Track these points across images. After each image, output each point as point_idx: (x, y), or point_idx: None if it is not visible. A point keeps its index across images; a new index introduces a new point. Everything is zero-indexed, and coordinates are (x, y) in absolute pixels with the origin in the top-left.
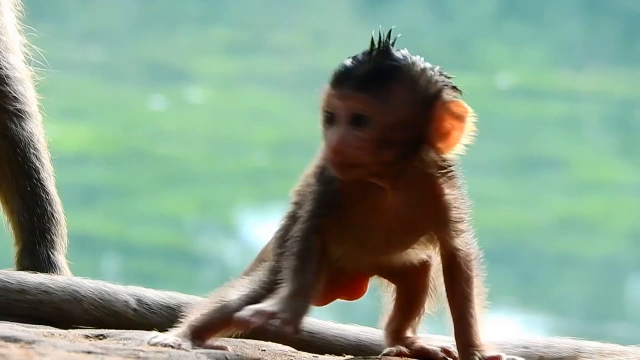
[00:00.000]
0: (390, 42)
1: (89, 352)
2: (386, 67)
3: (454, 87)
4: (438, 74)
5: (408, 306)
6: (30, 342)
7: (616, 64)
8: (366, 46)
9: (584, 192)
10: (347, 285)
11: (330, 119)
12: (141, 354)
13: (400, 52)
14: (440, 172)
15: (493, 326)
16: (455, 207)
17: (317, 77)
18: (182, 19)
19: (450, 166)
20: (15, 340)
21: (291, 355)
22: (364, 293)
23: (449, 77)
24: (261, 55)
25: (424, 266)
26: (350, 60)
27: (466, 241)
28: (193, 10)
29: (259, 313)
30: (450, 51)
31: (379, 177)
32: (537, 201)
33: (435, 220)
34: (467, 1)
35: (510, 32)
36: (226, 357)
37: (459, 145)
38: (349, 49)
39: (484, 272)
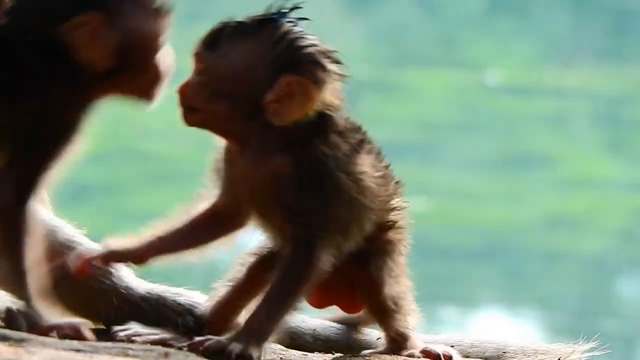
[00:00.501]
0: (282, 10)
1: (78, 351)
2: (243, 26)
3: (326, 70)
4: (315, 50)
5: None
6: (19, 341)
7: (604, 61)
8: (356, 41)
9: (573, 189)
10: (344, 298)
11: None
12: (130, 352)
13: (281, 19)
14: (292, 147)
15: (480, 324)
16: (295, 184)
17: None
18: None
19: (310, 145)
20: (4, 338)
21: (280, 353)
22: (359, 310)
23: (332, 61)
24: None
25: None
26: (226, 20)
27: (305, 230)
28: (181, 7)
29: None
30: (439, 47)
31: (225, 134)
32: (525, 198)
33: (273, 193)
34: None
35: (498, 28)
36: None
37: (291, 120)
38: (338, 43)
39: (470, 270)
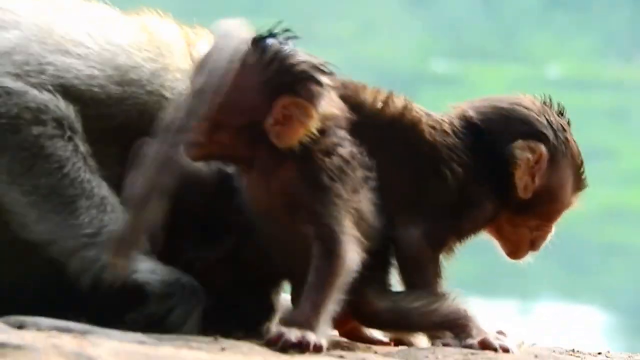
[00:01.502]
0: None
1: (142, 342)
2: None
3: (320, 83)
4: (305, 66)
5: None
6: (83, 333)
7: None
8: (417, 36)
9: (632, 182)
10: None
11: None
12: (194, 344)
13: (264, 40)
14: (298, 160)
15: (540, 315)
16: (308, 197)
17: (364, 67)
18: (231, 11)
19: (315, 155)
20: (68, 330)
21: (346, 345)
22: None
23: (323, 72)
24: (309, 46)
25: None
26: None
27: (326, 236)
28: (241, 3)
29: None
30: (498, 42)
31: (231, 160)
32: (584, 191)
33: (289, 206)
34: None
35: (558, 22)
36: None
37: (293, 140)
38: (396, 39)
39: (530, 263)
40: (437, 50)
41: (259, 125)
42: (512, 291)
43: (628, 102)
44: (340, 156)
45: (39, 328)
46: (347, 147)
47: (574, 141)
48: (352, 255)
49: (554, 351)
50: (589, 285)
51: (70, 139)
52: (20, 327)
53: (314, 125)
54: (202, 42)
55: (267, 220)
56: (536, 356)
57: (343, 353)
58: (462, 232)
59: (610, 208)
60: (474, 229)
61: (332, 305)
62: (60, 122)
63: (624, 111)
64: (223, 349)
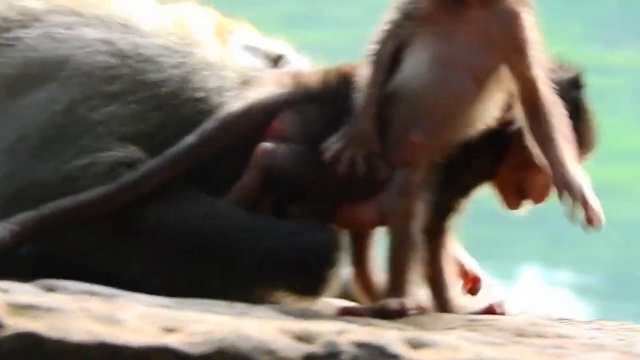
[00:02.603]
0: None
1: (167, 306)
2: None
3: None
4: None
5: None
6: (111, 296)
7: None
8: None
9: (615, 160)
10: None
11: None
12: (215, 308)
13: None
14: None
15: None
16: (534, 36)
17: None
18: None
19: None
20: (97, 294)
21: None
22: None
23: None
24: (319, 28)
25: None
26: None
27: (545, 79)
28: None
29: None
30: None
31: None
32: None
33: (514, 42)
34: None
35: (545, 8)
36: None
37: None
38: None
39: (514, 233)
40: None
41: None
42: (497, 259)
43: (612, 85)
44: None
45: (69, 291)
46: None
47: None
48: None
49: (548, 319)
50: (572, 255)
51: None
52: (51, 290)
53: None
54: (236, 33)
55: (474, 61)
56: (532, 323)
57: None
58: (463, 189)
59: (593, 184)
60: (474, 184)
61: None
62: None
63: (609, 94)
64: (242, 313)
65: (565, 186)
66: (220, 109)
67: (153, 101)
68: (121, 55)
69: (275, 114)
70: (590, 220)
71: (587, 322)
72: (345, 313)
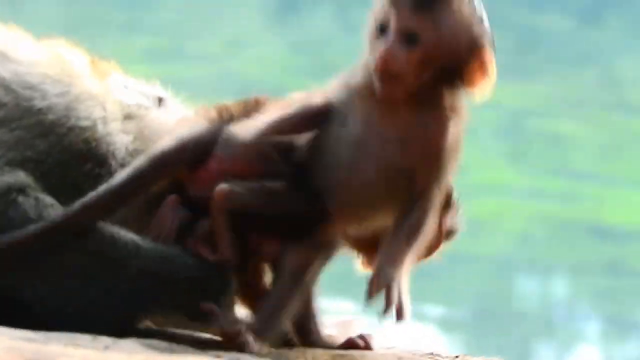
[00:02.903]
0: None
1: (31, 340)
2: None
3: (491, 37)
4: (485, 19)
5: None
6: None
7: (509, 76)
8: (278, 53)
9: (477, 195)
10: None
11: (382, 30)
12: (79, 342)
13: None
14: (451, 112)
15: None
16: (448, 150)
17: (231, 82)
18: (107, 27)
19: (461, 112)
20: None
21: None
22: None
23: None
24: (181, 62)
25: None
26: None
27: (433, 192)
28: (116, 19)
29: None
30: (355, 59)
31: (404, 96)
32: None
33: (430, 149)
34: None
35: None
36: None
37: (479, 90)
38: (261, 55)
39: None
40: (299, 67)
41: (456, 71)
42: (358, 294)
43: (474, 120)
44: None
45: None
46: None
47: None
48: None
49: (414, 354)
50: (437, 290)
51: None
52: None
53: (491, 81)
54: (114, 74)
55: (388, 156)
56: (400, 358)
57: (220, 352)
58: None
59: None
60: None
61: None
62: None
63: (471, 129)
64: (107, 347)
65: (379, 277)
66: (106, 139)
67: (38, 128)
68: (4, 82)
69: (208, 148)
70: (395, 314)
71: (454, 357)
72: (209, 310)
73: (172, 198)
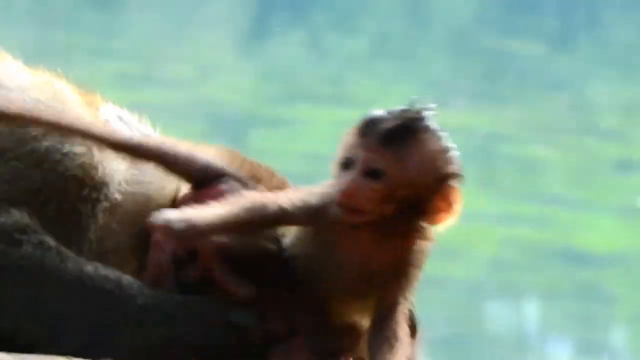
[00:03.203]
0: (424, 110)
1: None
2: (415, 130)
3: (459, 175)
4: (454, 157)
5: None
6: None
7: (480, 101)
8: (247, 79)
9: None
10: None
11: (347, 163)
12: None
13: (431, 121)
14: (416, 234)
15: None
16: (414, 268)
17: (201, 108)
18: (76, 52)
19: (424, 235)
20: None
21: None
22: None
23: (458, 165)
24: (151, 87)
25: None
26: (383, 112)
27: (403, 307)
28: (87, 43)
29: None
30: (326, 86)
31: (372, 226)
32: None
33: (394, 269)
34: (341, 40)
35: (382, 69)
36: None
37: (442, 225)
38: (231, 80)
39: None
40: (267, 93)
41: (421, 205)
42: None
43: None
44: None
45: None
46: None
47: None
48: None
49: None
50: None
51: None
52: None
53: (457, 212)
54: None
55: (351, 276)
56: None
57: None
58: None
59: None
60: None
61: None
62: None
63: None
64: None
65: None
66: (102, 163)
67: (33, 157)
68: None
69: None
70: None
71: None
72: None
73: (156, 238)
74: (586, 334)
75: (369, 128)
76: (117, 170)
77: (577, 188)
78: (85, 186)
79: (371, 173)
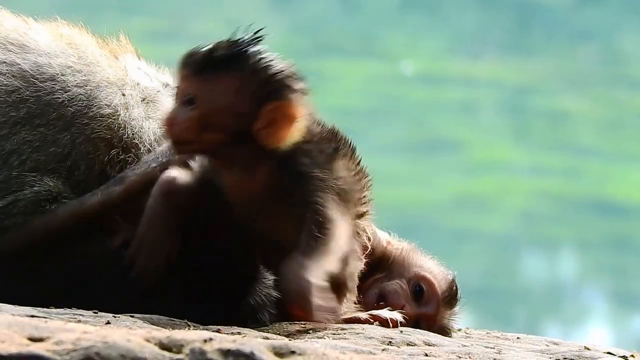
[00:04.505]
0: (247, 37)
1: (32, 316)
2: (223, 56)
3: (299, 90)
4: (285, 73)
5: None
6: None
7: (509, 53)
8: (279, 34)
9: (480, 172)
10: None
11: (175, 96)
12: (81, 318)
13: (252, 48)
14: (277, 161)
15: None
16: (289, 195)
17: None
18: (104, 9)
19: (291, 157)
20: None
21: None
22: None
23: (298, 78)
24: (179, 43)
25: None
26: (202, 45)
27: (314, 210)
28: (114, 0)
29: None
30: (357, 41)
31: (213, 157)
32: (436, 180)
33: (272, 202)
34: None
35: (412, 23)
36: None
37: (285, 142)
38: (261, 35)
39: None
40: (298, 48)
41: (247, 129)
42: None
43: (475, 97)
44: (315, 147)
45: None
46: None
47: None
48: (344, 233)
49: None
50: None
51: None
52: None
53: (298, 126)
54: (123, 56)
55: (247, 211)
56: (402, 332)
57: (220, 327)
58: None
59: (459, 196)
60: None
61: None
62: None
63: (472, 106)
64: (108, 322)
65: (293, 286)
66: (131, 124)
67: (61, 122)
68: (24, 75)
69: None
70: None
71: (455, 331)
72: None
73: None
74: (620, 284)
75: (185, 59)
76: (148, 129)
77: (608, 139)
78: (114, 147)
79: (186, 102)
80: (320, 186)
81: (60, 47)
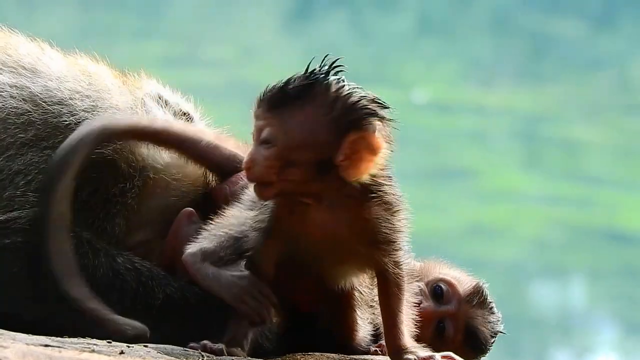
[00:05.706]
0: (323, 67)
1: (46, 345)
2: (297, 88)
3: (382, 118)
4: (366, 102)
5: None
6: None
7: (522, 81)
8: (292, 59)
9: (491, 201)
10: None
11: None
12: (95, 347)
13: (328, 77)
14: (368, 193)
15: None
16: (383, 228)
17: (245, 88)
18: (120, 33)
19: (380, 188)
20: None
21: None
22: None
23: (380, 106)
24: (194, 68)
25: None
26: (276, 82)
27: (396, 260)
28: (130, 25)
29: None
30: (369, 67)
31: (299, 195)
32: (448, 208)
33: (361, 238)
34: (385, 19)
35: (425, 49)
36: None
37: (367, 174)
38: (275, 61)
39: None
40: None
41: (330, 161)
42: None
43: (488, 125)
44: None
45: None
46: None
47: None
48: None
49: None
50: None
51: None
52: None
53: (381, 159)
54: (146, 85)
55: (326, 249)
56: None
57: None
58: None
59: (471, 224)
60: None
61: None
62: None
63: (484, 133)
64: (122, 353)
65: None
66: (138, 150)
67: None
68: (33, 98)
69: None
70: None
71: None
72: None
73: (187, 211)
74: (631, 313)
75: (260, 97)
76: (152, 155)
77: (621, 167)
78: (119, 172)
79: (263, 141)
80: (405, 221)
81: (72, 73)
